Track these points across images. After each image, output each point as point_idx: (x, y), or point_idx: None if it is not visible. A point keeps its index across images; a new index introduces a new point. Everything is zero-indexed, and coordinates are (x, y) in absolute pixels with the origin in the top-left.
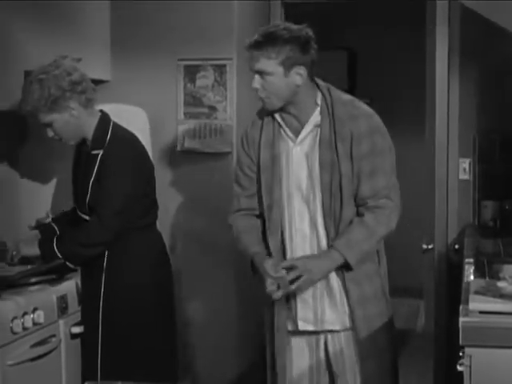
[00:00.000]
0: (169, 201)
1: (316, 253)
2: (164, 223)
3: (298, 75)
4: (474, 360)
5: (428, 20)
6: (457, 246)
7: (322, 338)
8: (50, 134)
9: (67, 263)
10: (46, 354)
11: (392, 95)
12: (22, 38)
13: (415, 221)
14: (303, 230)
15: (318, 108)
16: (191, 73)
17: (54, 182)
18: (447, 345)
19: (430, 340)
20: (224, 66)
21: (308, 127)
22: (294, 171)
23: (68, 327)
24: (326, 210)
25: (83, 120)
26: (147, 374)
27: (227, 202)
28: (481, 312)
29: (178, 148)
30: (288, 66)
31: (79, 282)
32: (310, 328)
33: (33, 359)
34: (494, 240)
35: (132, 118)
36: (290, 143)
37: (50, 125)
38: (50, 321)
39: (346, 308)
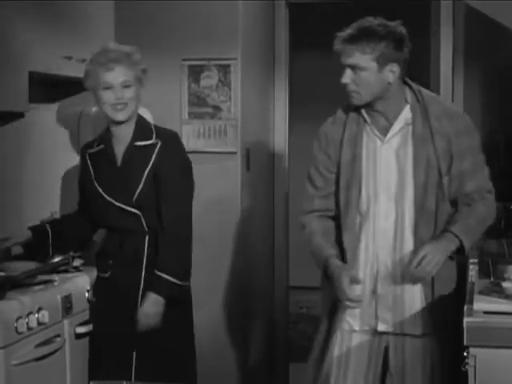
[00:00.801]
0: None
1: (400, 254)
2: None
3: (391, 72)
4: (479, 360)
5: (432, 20)
6: None
7: (384, 339)
8: (122, 94)
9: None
10: (50, 354)
11: None
12: (26, 38)
13: None
14: (387, 229)
15: (408, 105)
16: (195, 73)
17: (59, 181)
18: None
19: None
20: (228, 65)
21: (398, 124)
22: (383, 170)
23: (73, 327)
24: (418, 208)
25: (138, 105)
26: (173, 375)
27: (231, 202)
28: (485, 312)
29: None
30: (382, 62)
31: (89, 281)
32: (389, 329)
33: (37, 359)
34: (499, 240)
35: None
36: (378, 141)
37: (129, 86)
38: (54, 321)
39: (426, 312)
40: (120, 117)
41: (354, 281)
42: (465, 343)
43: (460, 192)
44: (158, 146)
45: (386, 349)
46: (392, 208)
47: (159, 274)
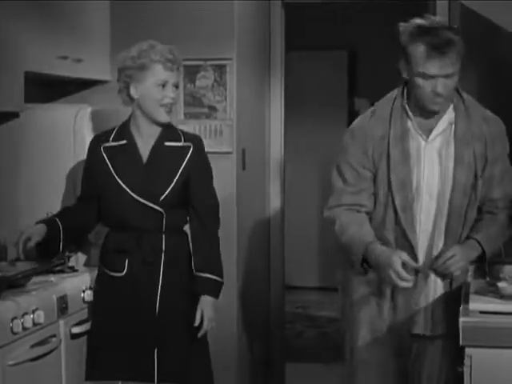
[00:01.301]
0: None
1: (435, 254)
2: None
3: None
4: (474, 360)
5: None
6: None
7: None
8: (174, 94)
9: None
10: (46, 355)
11: None
12: (21, 38)
13: None
14: (427, 228)
15: (452, 105)
16: (191, 73)
17: (55, 182)
18: None
19: None
20: (224, 66)
21: (442, 124)
22: (426, 169)
23: (68, 327)
24: (454, 209)
25: None
26: (194, 376)
27: (227, 202)
28: (481, 312)
29: None
30: (459, 68)
31: (90, 280)
32: (423, 332)
33: (33, 359)
34: None
35: None
36: (421, 140)
37: (178, 86)
38: (50, 321)
39: (445, 312)
40: (167, 119)
41: (406, 262)
42: (461, 343)
43: (487, 197)
44: (192, 150)
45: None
46: (433, 208)
47: (208, 275)
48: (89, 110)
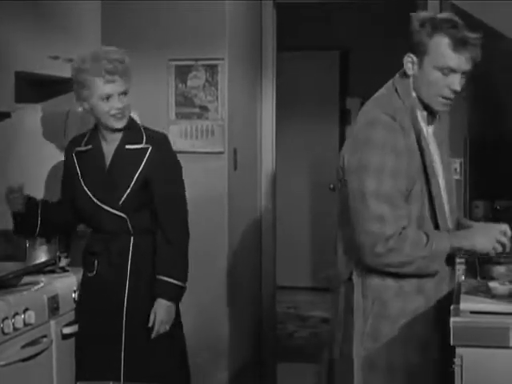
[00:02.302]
0: None
1: None
2: None
3: None
4: (465, 360)
5: None
6: None
7: None
8: (123, 103)
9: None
10: (37, 355)
11: None
12: (12, 38)
13: None
14: (447, 211)
15: None
16: (182, 73)
17: (45, 181)
18: None
19: None
20: (215, 66)
21: (435, 123)
22: (435, 154)
23: (59, 327)
24: (453, 190)
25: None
26: (165, 376)
27: (219, 202)
28: (472, 312)
29: None
30: None
31: (76, 281)
32: None
33: (24, 360)
34: None
35: None
36: (425, 127)
37: (126, 93)
38: (41, 321)
39: None
40: (120, 125)
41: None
42: (451, 343)
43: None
44: (149, 151)
45: None
46: (446, 202)
47: (166, 279)
48: (79, 110)
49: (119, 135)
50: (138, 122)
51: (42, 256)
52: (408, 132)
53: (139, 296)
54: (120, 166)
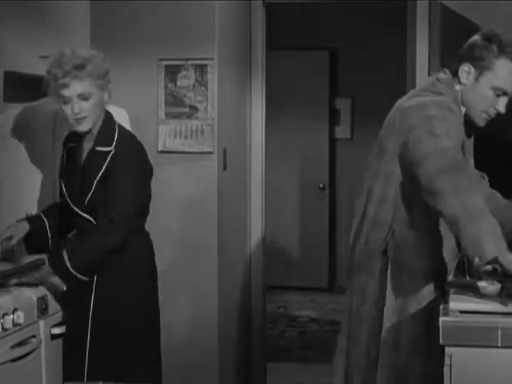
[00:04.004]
0: None
1: None
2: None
3: None
4: (455, 359)
5: (408, 19)
6: None
7: None
8: (80, 108)
9: (79, 276)
10: (26, 355)
11: (373, 94)
12: (1, 38)
13: None
14: None
15: None
16: (172, 73)
17: (35, 182)
18: None
19: None
20: (205, 65)
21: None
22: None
23: (48, 328)
24: None
25: (103, 110)
26: (133, 379)
27: (208, 202)
28: (461, 311)
29: (159, 148)
30: None
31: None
32: None
33: (13, 360)
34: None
35: None
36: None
37: (87, 98)
38: (30, 321)
39: None
40: (81, 128)
41: None
42: (441, 342)
43: None
44: (111, 155)
45: None
46: None
47: (64, 255)
48: None
49: (92, 136)
50: (126, 120)
51: (30, 256)
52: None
53: (106, 298)
54: (88, 168)
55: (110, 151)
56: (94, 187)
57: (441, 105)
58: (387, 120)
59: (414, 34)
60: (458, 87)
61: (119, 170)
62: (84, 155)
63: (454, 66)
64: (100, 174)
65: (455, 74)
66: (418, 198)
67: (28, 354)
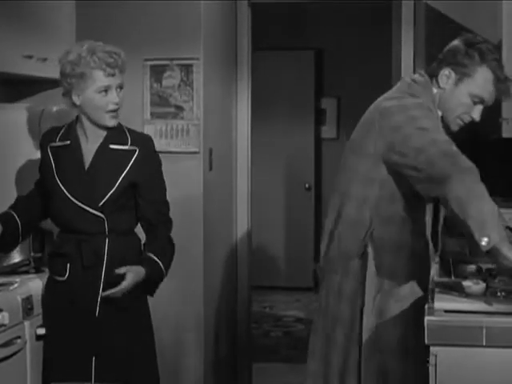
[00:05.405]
0: None
1: None
2: None
3: None
4: (440, 359)
5: (394, 20)
6: None
7: None
8: (119, 97)
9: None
10: (11, 356)
11: (359, 94)
12: None
13: None
14: None
15: None
16: (157, 73)
17: (20, 181)
18: None
19: None
20: (191, 65)
21: None
22: None
23: (33, 328)
24: None
25: None
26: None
27: (194, 202)
28: (446, 311)
29: None
30: None
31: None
32: None
33: None
34: (460, 239)
35: None
36: None
37: (122, 87)
38: (14, 322)
39: None
40: (113, 123)
41: None
42: (426, 342)
43: None
44: (136, 153)
45: None
46: None
47: (156, 259)
48: (54, 109)
49: (103, 133)
50: None
51: (15, 257)
52: None
53: (113, 300)
54: (103, 166)
55: (133, 150)
56: (115, 188)
57: (421, 106)
58: (364, 120)
59: (399, 34)
60: (435, 90)
61: (155, 174)
62: (90, 154)
63: (431, 68)
64: (124, 175)
65: (433, 76)
66: (400, 198)
67: (13, 354)
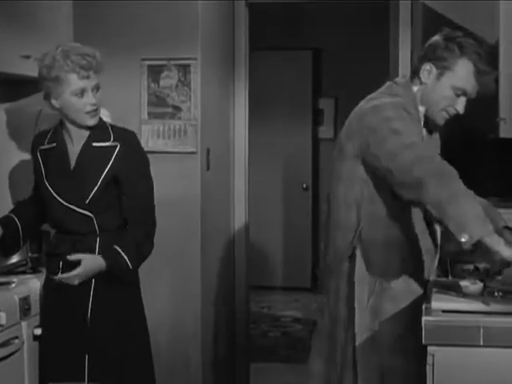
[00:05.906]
0: None
1: None
2: None
3: None
4: (437, 359)
5: (391, 20)
6: None
7: None
8: (95, 98)
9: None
10: (8, 356)
11: (357, 94)
12: None
13: None
14: None
15: None
16: (155, 72)
17: (17, 182)
18: None
19: None
20: (188, 65)
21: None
22: None
23: (31, 329)
24: None
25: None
26: (129, 379)
27: (191, 202)
28: (443, 311)
29: None
30: None
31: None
32: None
33: None
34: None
35: None
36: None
37: (99, 88)
38: (12, 322)
39: None
40: (93, 122)
41: None
42: (423, 342)
43: None
44: (117, 149)
45: None
46: None
47: (120, 251)
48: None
49: (86, 133)
50: (108, 119)
51: (12, 257)
52: None
53: (104, 299)
54: (87, 164)
55: (115, 146)
56: (99, 184)
57: (395, 105)
58: (346, 123)
59: (396, 34)
60: (416, 88)
61: (137, 169)
62: (75, 154)
63: (414, 66)
64: (106, 171)
65: (415, 72)
66: (381, 197)
67: (10, 355)
